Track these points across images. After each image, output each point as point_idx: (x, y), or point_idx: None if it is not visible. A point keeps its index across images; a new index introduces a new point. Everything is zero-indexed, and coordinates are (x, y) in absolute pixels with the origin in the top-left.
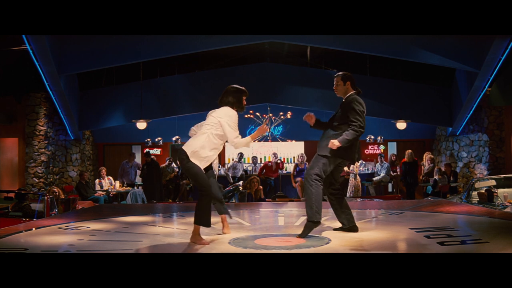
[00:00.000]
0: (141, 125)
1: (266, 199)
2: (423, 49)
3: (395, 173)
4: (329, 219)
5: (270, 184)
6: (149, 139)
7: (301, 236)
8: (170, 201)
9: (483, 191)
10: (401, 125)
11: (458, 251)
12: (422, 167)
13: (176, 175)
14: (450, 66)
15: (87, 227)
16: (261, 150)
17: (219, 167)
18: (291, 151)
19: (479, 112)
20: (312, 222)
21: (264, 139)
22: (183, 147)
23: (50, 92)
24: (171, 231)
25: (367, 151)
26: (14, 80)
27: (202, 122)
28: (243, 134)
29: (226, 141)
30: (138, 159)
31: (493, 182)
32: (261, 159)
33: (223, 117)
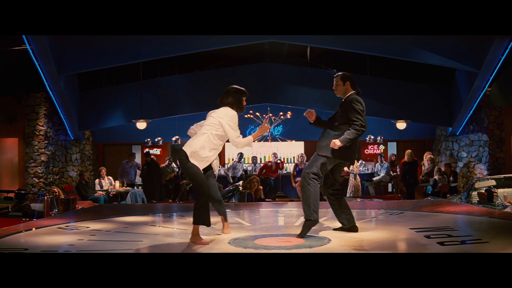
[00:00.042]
0: (141, 125)
1: (266, 199)
2: (423, 49)
3: (395, 173)
4: (329, 219)
5: (270, 184)
6: (149, 139)
7: (300, 236)
8: (170, 201)
9: (483, 191)
10: (401, 125)
11: (458, 251)
12: (422, 167)
13: (176, 175)
14: (450, 66)
15: (87, 227)
16: (261, 150)
17: (219, 167)
18: (291, 151)
19: (479, 112)
20: (310, 221)
21: (264, 139)
22: (183, 148)
23: (50, 92)
24: (171, 231)
25: (367, 151)
26: (14, 80)
27: (202, 121)
28: (243, 134)
29: (226, 141)
30: (138, 159)
31: (493, 182)
32: (261, 159)
33: (223, 118)
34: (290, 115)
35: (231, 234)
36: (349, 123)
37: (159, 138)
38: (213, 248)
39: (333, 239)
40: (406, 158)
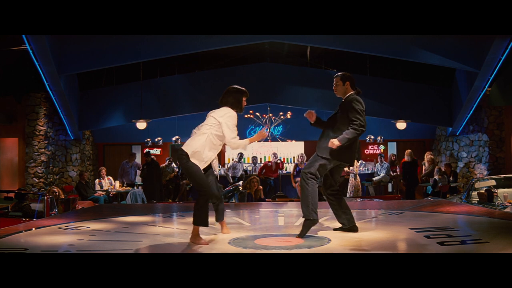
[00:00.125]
0: (141, 125)
1: (266, 199)
2: (423, 49)
3: (395, 173)
4: (329, 219)
5: (270, 184)
6: (149, 139)
7: (300, 236)
8: (170, 201)
9: (483, 191)
10: (401, 125)
11: (458, 251)
12: (423, 166)
13: (176, 175)
14: (450, 66)
15: (87, 227)
16: (261, 150)
17: (219, 167)
18: (291, 151)
19: (479, 112)
20: (309, 221)
21: (264, 139)
22: (183, 147)
23: (50, 92)
24: (171, 231)
25: (367, 151)
26: (14, 80)
27: (203, 123)
28: (243, 134)
29: None
30: (138, 159)
31: (493, 182)
32: (261, 159)
33: (223, 117)
34: (290, 115)
35: (231, 234)
36: (349, 123)
37: (159, 138)
38: (213, 248)
39: (333, 239)
40: (406, 158)
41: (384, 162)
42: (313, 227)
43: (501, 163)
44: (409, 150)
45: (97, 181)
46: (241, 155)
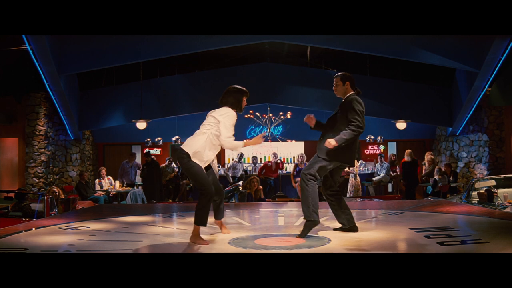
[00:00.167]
0: (141, 125)
1: (266, 199)
2: (423, 49)
3: (395, 173)
4: (328, 219)
5: (270, 184)
6: (149, 139)
7: (300, 236)
8: (170, 201)
9: (483, 191)
10: (401, 125)
11: (458, 251)
12: (423, 166)
13: (176, 175)
14: (450, 66)
15: (87, 227)
16: (261, 150)
17: (218, 166)
18: (291, 151)
19: (479, 112)
20: (311, 222)
21: (264, 139)
22: (183, 147)
23: (50, 92)
24: (171, 231)
25: (367, 151)
26: (14, 80)
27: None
28: (243, 134)
29: None
30: (138, 159)
31: (493, 182)
32: (261, 159)
33: (222, 116)
34: (290, 115)
35: (231, 234)
36: (348, 123)
37: (159, 138)
38: (213, 248)
39: (333, 239)
40: (406, 158)
41: (384, 162)
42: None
43: (501, 163)
44: (409, 150)
45: (97, 181)
46: (241, 155)
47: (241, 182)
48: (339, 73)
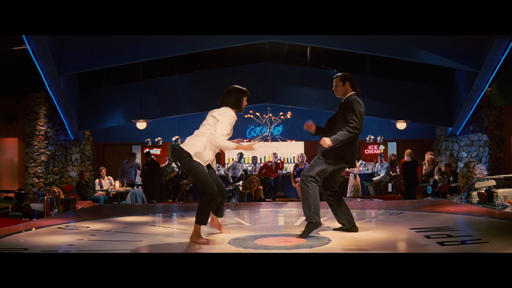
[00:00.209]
0: (141, 125)
1: (266, 199)
2: (423, 49)
3: (395, 173)
4: (328, 219)
5: (270, 184)
6: (149, 139)
7: (301, 236)
8: (170, 201)
9: (483, 191)
10: (401, 125)
11: (458, 251)
12: (424, 166)
13: (176, 175)
14: (450, 66)
15: (87, 227)
16: (261, 150)
17: (218, 166)
18: (291, 151)
19: (479, 112)
20: (312, 223)
21: (264, 139)
22: (183, 147)
23: (50, 92)
24: (171, 231)
25: (367, 151)
26: (14, 80)
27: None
28: (243, 134)
29: None
30: (138, 159)
31: (493, 182)
32: (261, 159)
33: (221, 115)
34: (290, 115)
35: (231, 234)
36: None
37: (159, 138)
38: (213, 248)
39: (333, 239)
40: (406, 158)
41: (384, 162)
42: None
43: (501, 163)
44: (409, 150)
45: (97, 181)
46: (241, 155)
47: (241, 182)
48: (339, 74)
